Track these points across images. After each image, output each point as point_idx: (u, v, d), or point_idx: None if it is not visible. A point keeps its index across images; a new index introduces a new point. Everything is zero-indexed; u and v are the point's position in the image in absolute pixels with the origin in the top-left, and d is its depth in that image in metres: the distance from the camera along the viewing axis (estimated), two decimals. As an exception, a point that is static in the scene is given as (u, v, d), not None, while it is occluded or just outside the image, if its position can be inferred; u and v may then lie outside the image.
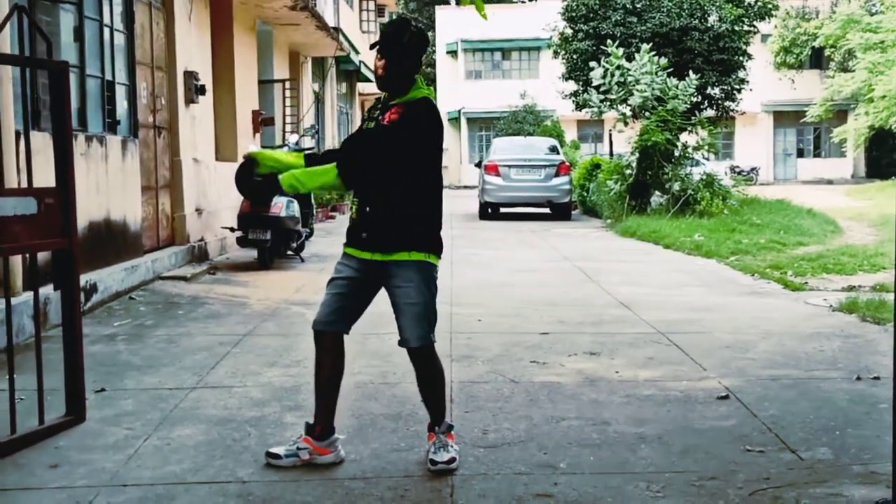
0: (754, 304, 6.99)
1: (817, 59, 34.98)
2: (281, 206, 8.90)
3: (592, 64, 15.65)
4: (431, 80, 36.99)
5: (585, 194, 17.99)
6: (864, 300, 6.58)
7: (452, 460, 3.27)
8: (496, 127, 33.26)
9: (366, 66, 21.94)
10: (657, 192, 15.01)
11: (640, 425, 3.82)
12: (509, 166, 16.57)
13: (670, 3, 17.41)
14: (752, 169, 33.33)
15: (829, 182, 33.66)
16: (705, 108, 17.90)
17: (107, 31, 7.52)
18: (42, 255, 4.60)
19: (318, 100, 18.70)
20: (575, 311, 6.68)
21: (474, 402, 4.17)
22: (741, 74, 17.97)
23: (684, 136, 14.88)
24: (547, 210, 17.02)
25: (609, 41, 15.61)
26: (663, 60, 14.99)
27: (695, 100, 16.03)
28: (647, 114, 14.67)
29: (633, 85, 14.70)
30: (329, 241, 11.44)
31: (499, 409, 4.06)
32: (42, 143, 5.70)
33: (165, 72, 8.99)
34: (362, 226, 3.31)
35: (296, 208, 9.21)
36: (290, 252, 9.61)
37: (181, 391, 4.36)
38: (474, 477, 3.22)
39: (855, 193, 25.07)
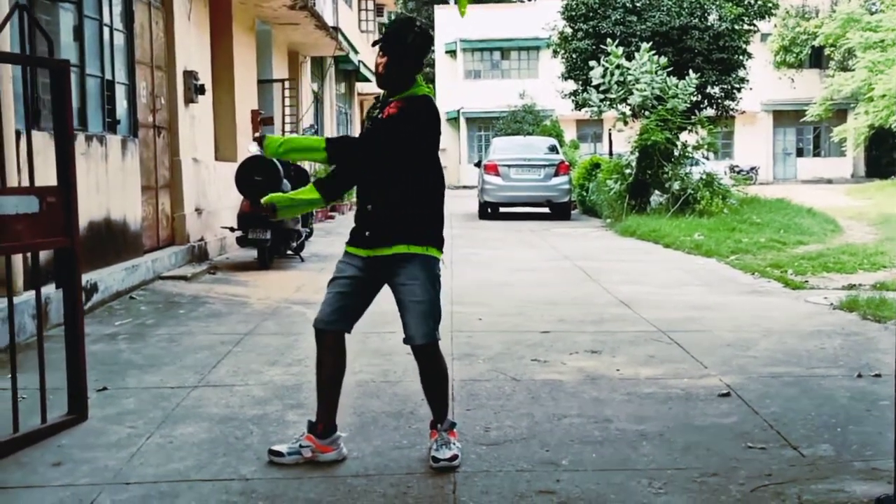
0: (755, 303, 7.00)
1: (817, 59, 34.98)
2: (281, 205, 8.90)
3: (592, 63, 15.64)
4: (430, 80, 36.96)
5: (585, 194, 18.00)
6: (864, 298, 6.59)
7: (455, 458, 3.27)
8: (495, 127, 33.27)
9: (365, 65, 21.95)
10: (657, 192, 15.02)
11: (641, 422, 3.83)
12: (509, 166, 16.57)
13: (670, 2, 17.42)
14: (752, 168, 33.35)
15: (829, 181, 33.67)
16: (705, 108, 17.91)
17: (106, 30, 7.52)
18: (43, 255, 4.60)
19: (317, 99, 18.70)
20: (575, 309, 6.68)
21: (476, 400, 4.17)
22: (741, 73, 17.97)
23: (684, 136, 14.88)
24: (546, 210, 17.03)
25: (609, 40, 15.61)
26: (663, 59, 14.99)
27: (694, 99, 16.03)
28: (646, 113, 14.67)
29: (633, 84, 14.70)
30: (329, 240, 11.45)
31: (500, 407, 4.06)
32: (42, 142, 5.70)
33: (165, 71, 8.99)
34: (364, 224, 3.32)
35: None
36: (289, 252, 9.62)
37: (183, 390, 4.36)
38: (476, 474, 3.23)
39: (854, 193, 25.09)
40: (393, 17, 31.29)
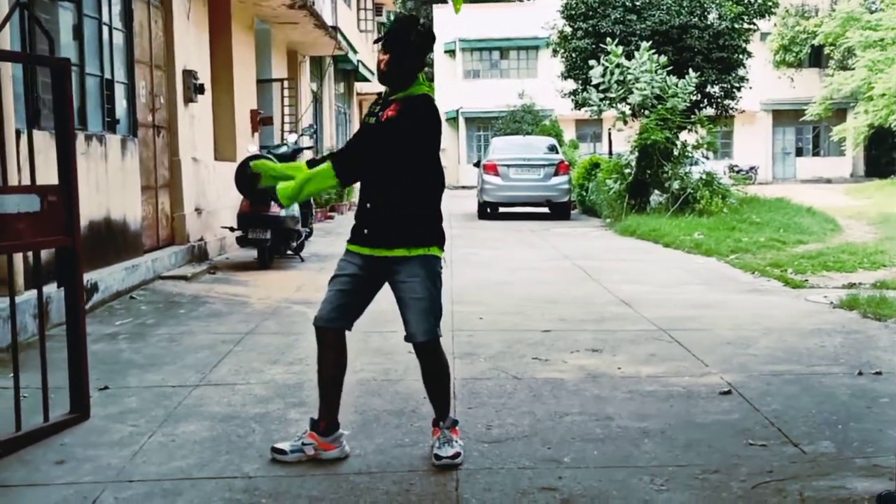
0: (755, 302, 7.01)
1: (816, 58, 34.98)
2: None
3: (592, 62, 15.64)
4: (429, 80, 36.95)
5: (584, 194, 18.00)
6: (864, 297, 6.60)
7: (457, 455, 3.28)
8: (494, 127, 33.25)
9: (364, 65, 21.94)
10: (656, 191, 15.02)
11: (643, 420, 3.84)
12: (508, 166, 16.57)
13: (670, 1, 17.41)
14: (751, 168, 33.35)
15: (828, 181, 33.68)
16: (704, 107, 17.90)
17: (105, 29, 7.52)
18: (44, 254, 4.60)
19: (316, 99, 18.70)
20: (576, 308, 6.69)
21: (477, 399, 4.18)
22: (741, 72, 17.97)
23: (684, 135, 14.89)
24: (546, 210, 17.03)
25: (608, 39, 15.60)
26: (663, 58, 14.98)
27: (694, 98, 16.03)
28: (646, 112, 14.67)
29: (633, 83, 14.70)
30: (328, 240, 11.45)
31: (502, 405, 4.07)
32: (42, 141, 5.70)
33: (164, 70, 8.98)
34: (364, 222, 3.32)
35: (296, 208, 9.20)
36: (289, 252, 9.61)
37: (184, 389, 4.37)
38: (479, 471, 3.23)
39: (854, 192, 25.11)
40: (392, 17, 31.30)
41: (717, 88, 17.91)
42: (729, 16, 17.43)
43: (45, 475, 3.23)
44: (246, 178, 8.89)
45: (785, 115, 36.28)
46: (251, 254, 9.60)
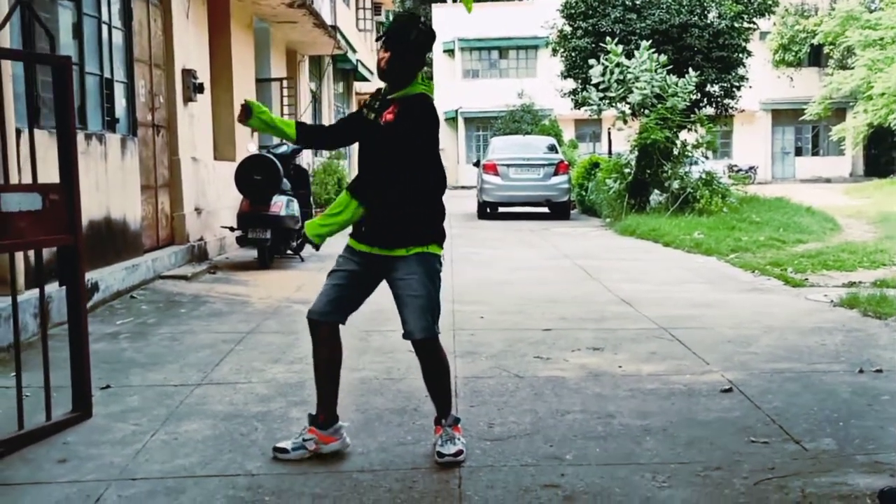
0: (755, 300, 7.01)
1: (816, 57, 34.99)
2: (281, 205, 8.91)
3: (592, 61, 15.63)
4: (429, 79, 36.95)
5: (584, 193, 18.00)
6: (864, 295, 6.60)
7: (459, 453, 3.28)
8: (493, 126, 33.24)
9: (363, 65, 21.94)
10: (656, 191, 15.03)
11: (644, 418, 3.84)
12: (508, 165, 16.58)
13: (670, 0, 17.42)
14: (751, 168, 33.34)
15: (828, 180, 33.69)
16: (704, 106, 17.90)
17: (105, 28, 7.51)
18: (44, 253, 4.60)
19: (316, 99, 18.70)
20: (576, 307, 6.70)
21: (479, 397, 4.18)
22: (741, 71, 17.97)
23: (683, 135, 14.90)
24: (545, 209, 17.03)
25: (608, 38, 15.60)
26: (663, 58, 14.98)
27: (694, 97, 16.03)
28: (646, 112, 14.68)
29: (633, 82, 14.70)
30: (328, 240, 11.44)
31: (504, 404, 4.07)
32: (42, 141, 5.69)
33: (164, 70, 8.98)
34: (363, 219, 3.33)
35: (295, 207, 9.21)
36: (289, 251, 9.61)
37: (186, 387, 4.37)
38: (481, 469, 3.24)
39: (853, 192, 25.13)
40: (391, 16, 31.30)
41: (716, 87, 17.91)
42: (729, 15, 17.44)
43: (48, 473, 3.23)
44: (245, 173, 8.93)
45: (784, 115, 36.29)
46: (251, 253, 9.60)
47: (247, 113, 3.41)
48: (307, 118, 16.39)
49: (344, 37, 17.90)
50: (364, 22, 25.05)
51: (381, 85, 3.43)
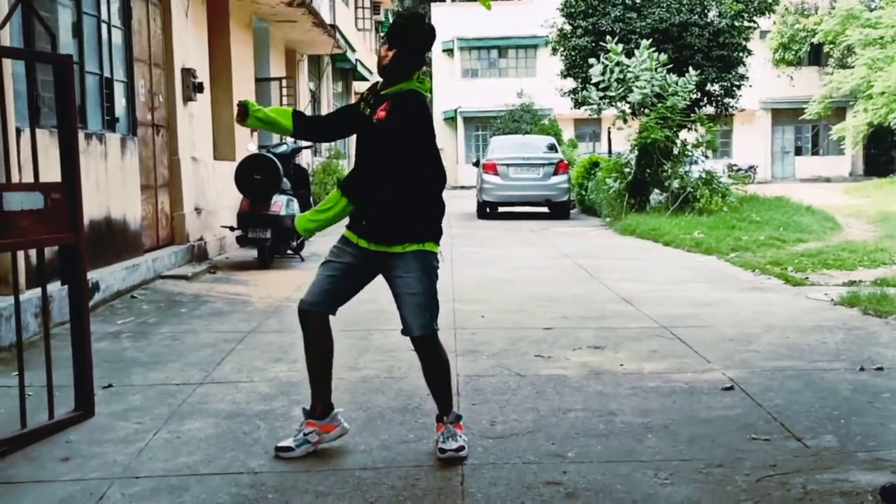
0: (756, 299, 7.02)
1: (816, 56, 34.99)
2: (281, 204, 8.92)
3: (591, 60, 15.62)
4: (428, 77, 36.90)
5: (584, 193, 18.00)
6: (865, 294, 6.61)
7: (461, 448, 3.29)
8: (493, 126, 33.23)
9: (362, 64, 21.95)
10: (656, 190, 15.03)
11: (646, 416, 3.85)
12: (508, 165, 16.57)
13: (670, -1, 17.43)
14: (750, 167, 33.34)
15: (827, 180, 33.70)
16: (704, 105, 17.90)
17: (104, 27, 7.51)
18: (46, 252, 4.60)
19: (315, 98, 18.70)
20: (577, 306, 6.70)
21: (481, 395, 4.19)
22: (741, 70, 17.97)
23: (683, 134, 14.90)
24: (545, 209, 17.03)
25: (608, 37, 15.60)
26: (663, 56, 14.97)
27: (694, 96, 16.03)
28: (646, 111, 14.68)
29: (633, 81, 14.70)
30: (327, 240, 11.34)
31: (506, 402, 4.08)
32: (41, 140, 5.68)
33: (163, 69, 8.98)
34: (362, 213, 3.33)
35: (296, 207, 9.21)
36: (289, 251, 9.62)
37: (188, 386, 4.37)
38: (484, 466, 3.24)
39: (853, 191, 25.14)
40: (390, 15, 31.32)
41: (717, 87, 17.89)
42: (729, 13, 17.43)
43: (52, 472, 3.24)
44: (245, 173, 8.94)
45: (784, 114, 36.30)
46: (251, 253, 9.61)
47: (243, 113, 3.44)
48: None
49: (343, 36, 17.90)
50: (363, 21, 25.07)
51: (379, 79, 3.45)
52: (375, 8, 27.73)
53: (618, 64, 14.91)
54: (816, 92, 32.56)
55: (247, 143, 10.66)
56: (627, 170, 14.90)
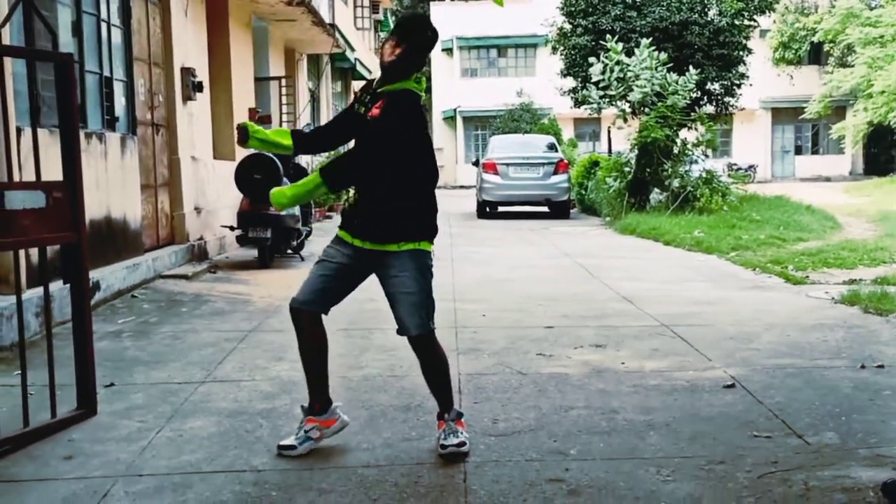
0: (756, 298, 7.03)
1: (816, 55, 34.98)
2: (281, 203, 8.90)
3: (591, 59, 15.63)
4: (427, 79, 36.88)
5: (584, 192, 18.00)
6: (866, 292, 6.62)
7: (462, 444, 3.30)
8: (492, 125, 33.23)
9: (361, 63, 21.94)
10: (656, 189, 15.03)
11: (647, 413, 3.85)
12: (507, 164, 16.57)
13: (670, -3, 17.43)
14: (750, 166, 33.35)
15: (827, 179, 33.70)
16: (704, 104, 17.90)
17: (104, 26, 7.51)
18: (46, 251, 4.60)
19: (314, 98, 18.70)
20: (577, 305, 6.71)
21: (483, 393, 4.19)
22: (741, 69, 17.97)
23: (684, 133, 14.90)
24: (545, 208, 17.03)
25: (608, 36, 15.61)
26: (663, 55, 14.98)
27: (694, 95, 16.03)
28: (646, 110, 14.68)
29: (633, 80, 14.70)
30: (328, 240, 11.37)
31: (507, 400, 4.08)
32: (41, 139, 5.67)
33: (162, 68, 8.97)
34: (354, 213, 3.34)
35: (296, 206, 9.21)
36: (290, 251, 9.62)
37: (190, 385, 4.38)
38: (486, 464, 3.25)
39: (853, 190, 25.15)
40: (389, 14, 31.32)
41: (717, 85, 17.89)
42: (729, 12, 17.43)
43: (55, 470, 3.24)
44: (245, 172, 8.93)
45: (784, 113, 36.31)
46: (251, 253, 9.60)
47: (243, 136, 3.45)
48: (306, 117, 16.39)
49: (342, 35, 17.90)
50: (362, 20, 25.06)
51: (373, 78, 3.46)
52: (374, 7, 27.73)
53: (618, 63, 14.92)
54: (816, 91, 32.55)
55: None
56: (627, 169, 14.90)
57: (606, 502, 2.90)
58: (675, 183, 14.40)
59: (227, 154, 11.01)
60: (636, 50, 15.09)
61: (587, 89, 16.04)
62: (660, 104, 14.39)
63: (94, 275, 6.55)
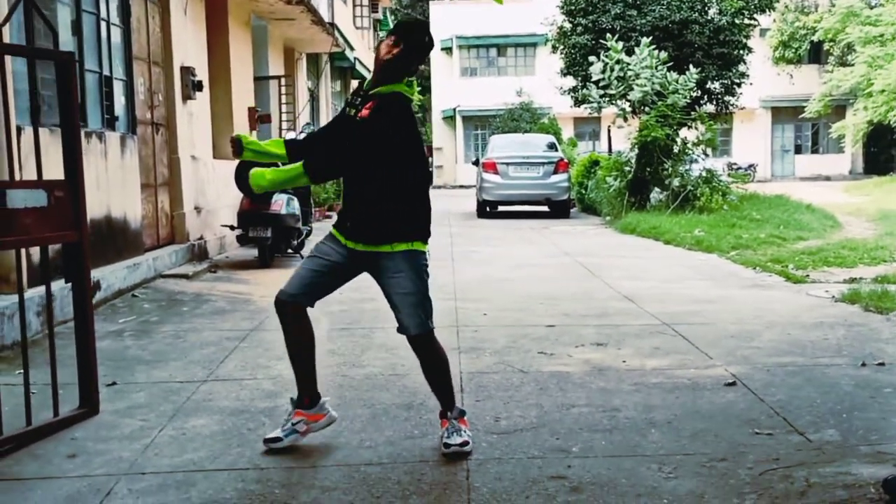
0: (757, 296, 7.03)
1: (816, 54, 34.97)
2: (281, 203, 8.92)
3: (592, 58, 15.63)
4: (426, 78, 36.89)
5: (584, 192, 18.01)
6: (866, 291, 6.62)
7: (465, 443, 3.31)
8: (492, 125, 33.22)
9: (360, 62, 21.93)
10: (657, 189, 15.03)
11: (649, 411, 3.86)
12: (507, 164, 16.56)
13: (670, -4, 17.43)
14: (750, 166, 33.36)
15: (827, 178, 33.71)
16: (705, 103, 17.90)
17: (104, 25, 7.52)
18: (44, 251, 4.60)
19: (313, 97, 18.70)
20: (578, 304, 6.71)
21: (485, 392, 4.20)
22: (741, 68, 17.97)
23: (684, 132, 14.90)
24: (545, 208, 17.03)
25: (608, 35, 15.60)
26: (663, 54, 14.98)
27: (694, 94, 16.03)
28: (646, 109, 14.68)
29: (633, 79, 14.70)
30: (320, 235, 11.45)
31: (509, 398, 4.09)
32: (42, 139, 5.68)
33: (162, 67, 8.98)
34: (347, 214, 3.36)
35: (296, 206, 9.21)
36: (290, 250, 9.61)
37: (192, 384, 4.38)
38: (489, 461, 3.26)
39: (853, 189, 25.15)
40: (388, 13, 31.30)
41: (717, 84, 17.89)
42: (729, 11, 17.43)
43: (58, 468, 3.24)
44: (245, 171, 8.92)
45: (784, 113, 36.30)
46: (251, 252, 9.61)
47: (238, 147, 3.47)
48: (305, 116, 16.39)
49: (342, 34, 17.89)
50: (361, 19, 25.05)
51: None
52: (374, 6, 27.72)
53: (618, 62, 14.92)
54: (816, 90, 32.54)
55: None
56: (627, 168, 14.90)
57: (608, 499, 2.90)
58: (676, 182, 14.40)
59: (227, 153, 10.99)
60: (636, 49, 15.09)
61: (587, 88, 16.04)
62: (660, 103, 14.39)
63: (94, 274, 6.55)
